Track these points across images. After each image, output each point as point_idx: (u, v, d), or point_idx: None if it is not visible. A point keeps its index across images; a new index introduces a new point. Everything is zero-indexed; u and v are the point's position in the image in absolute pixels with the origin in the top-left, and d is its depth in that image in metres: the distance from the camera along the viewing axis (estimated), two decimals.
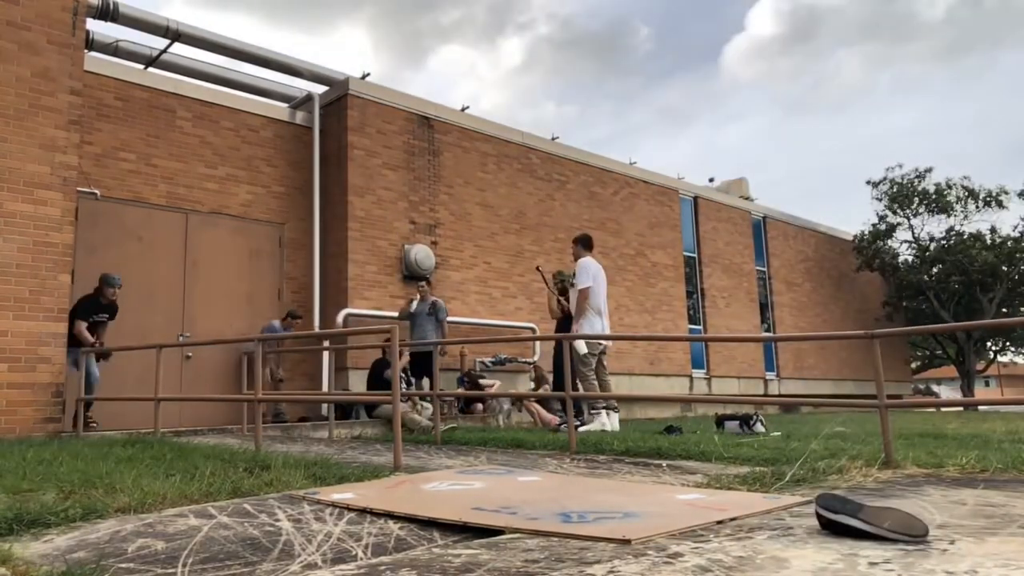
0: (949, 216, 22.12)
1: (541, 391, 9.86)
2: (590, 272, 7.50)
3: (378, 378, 9.08)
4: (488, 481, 3.72)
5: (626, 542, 2.25)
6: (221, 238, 9.90)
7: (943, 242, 22.05)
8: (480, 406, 9.87)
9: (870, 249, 21.21)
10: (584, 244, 7.86)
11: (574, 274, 7.74)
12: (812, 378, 18.41)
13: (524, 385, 11.61)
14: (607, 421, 7.22)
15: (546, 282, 8.71)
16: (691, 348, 15.45)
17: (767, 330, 17.61)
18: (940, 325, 18.85)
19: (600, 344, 7.48)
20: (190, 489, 3.20)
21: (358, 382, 9.92)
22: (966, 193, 21.98)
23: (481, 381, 10.02)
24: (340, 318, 9.96)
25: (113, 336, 8.55)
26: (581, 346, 7.12)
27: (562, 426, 7.25)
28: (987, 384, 51.00)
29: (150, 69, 10.43)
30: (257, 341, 5.87)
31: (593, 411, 7.27)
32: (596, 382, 7.37)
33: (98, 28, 10.13)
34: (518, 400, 9.59)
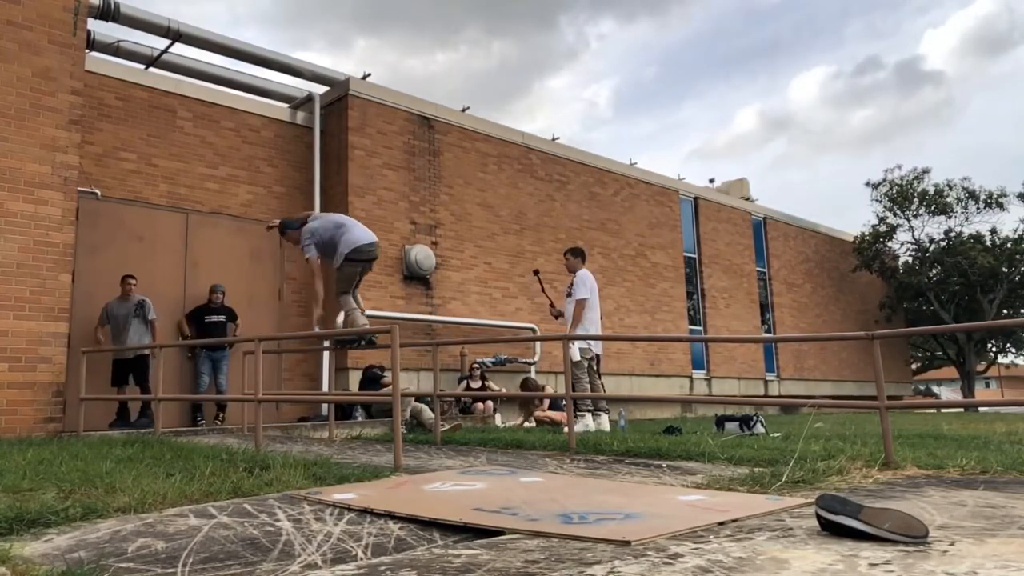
0: (949, 217, 22.11)
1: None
2: (587, 284, 7.80)
3: (369, 382, 9.17)
4: (489, 482, 3.72)
5: (626, 543, 2.25)
6: (221, 238, 9.90)
7: (942, 243, 22.03)
8: (481, 405, 9.84)
9: (871, 250, 21.19)
10: (581, 256, 8.16)
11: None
12: (812, 379, 18.41)
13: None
14: (591, 424, 7.38)
15: (543, 287, 8.75)
16: (691, 349, 15.45)
17: (767, 331, 17.61)
18: (940, 326, 18.80)
19: (591, 351, 7.69)
20: (190, 489, 3.20)
21: (358, 382, 9.91)
22: (966, 194, 21.97)
23: (488, 384, 10.02)
24: (340, 319, 9.94)
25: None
26: (575, 353, 7.30)
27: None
28: (987, 385, 50.95)
29: (151, 69, 10.43)
30: (258, 341, 5.87)
31: (579, 413, 7.34)
32: (588, 385, 7.51)
33: (99, 28, 10.13)
34: (524, 407, 9.55)
